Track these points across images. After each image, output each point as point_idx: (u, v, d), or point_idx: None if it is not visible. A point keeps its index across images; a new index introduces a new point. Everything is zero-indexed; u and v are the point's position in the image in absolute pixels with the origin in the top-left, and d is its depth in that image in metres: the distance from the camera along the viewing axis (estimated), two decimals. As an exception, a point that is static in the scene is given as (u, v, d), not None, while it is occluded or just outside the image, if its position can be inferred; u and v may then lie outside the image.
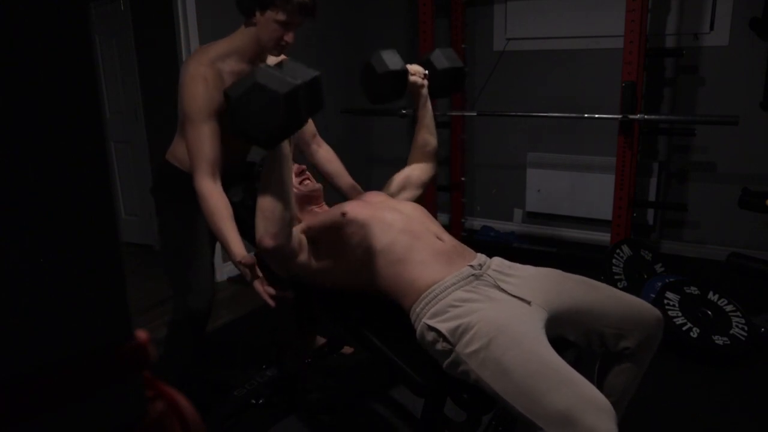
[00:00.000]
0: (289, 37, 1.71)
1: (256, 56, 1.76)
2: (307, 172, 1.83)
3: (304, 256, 1.59)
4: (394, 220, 1.57)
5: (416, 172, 1.93)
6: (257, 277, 1.58)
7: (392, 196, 1.87)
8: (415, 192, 1.92)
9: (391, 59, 1.78)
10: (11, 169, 0.40)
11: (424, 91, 1.90)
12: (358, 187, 2.06)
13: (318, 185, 1.81)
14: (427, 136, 1.94)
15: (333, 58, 4.08)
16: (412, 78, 1.85)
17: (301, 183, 1.78)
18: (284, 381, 2.15)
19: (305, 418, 2.09)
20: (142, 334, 0.48)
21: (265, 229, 1.47)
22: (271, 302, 1.57)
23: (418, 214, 1.65)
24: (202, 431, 0.53)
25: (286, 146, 1.48)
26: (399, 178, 1.92)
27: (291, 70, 1.43)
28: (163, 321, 2.04)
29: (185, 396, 0.53)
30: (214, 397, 2.16)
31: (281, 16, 1.64)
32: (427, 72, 1.91)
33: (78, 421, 0.44)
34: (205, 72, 1.67)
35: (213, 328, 2.83)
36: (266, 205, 1.46)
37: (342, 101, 3.99)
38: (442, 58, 1.93)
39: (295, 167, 1.81)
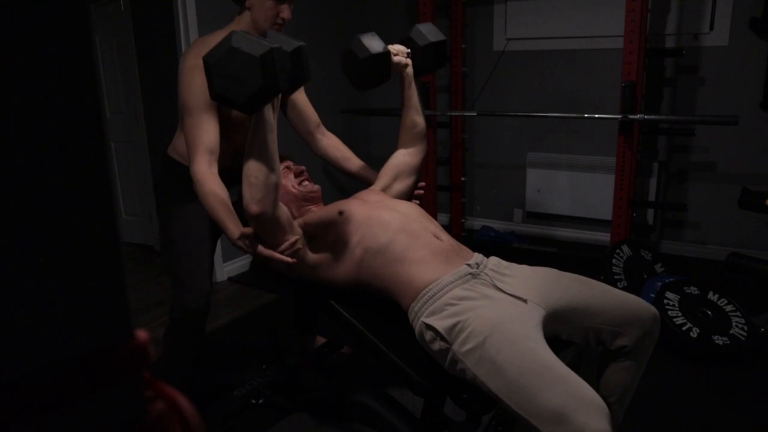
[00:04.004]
0: (285, 13, 1.67)
1: None
2: (306, 173, 1.81)
3: (291, 237, 1.55)
4: (392, 219, 1.56)
5: (406, 158, 1.90)
6: (259, 245, 1.55)
7: (387, 187, 1.86)
8: (408, 180, 1.89)
9: (372, 43, 1.70)
10: (11, 169, 0.40)
11: (409, 70, 1.85)
12: (369, 167, 2.02)
13: (317, 186, 1.80)
14: (415, 116, 1.89)
15: (332, 58, 4.07)
16: (395, 58, 1.80)
17: (300, 183, 1.77)
18: (284, 381, 2.15)
19: (305, 418, 2.09)
20: (142, 334, 0.48)
21: (251, 196, 1.45)
22: (288, 259, 1.52)
23: (416, 214, 1.65)
24: (202, 431, 0.53)
25: (269, 112, 1.44)
26: (389, 167, 1.88)
27: (273, 38, 1.41)
28: (163, 321, 2.05)
29: (185, 396, 0.53)
30: (214, 397, 2.16)
31: None
32: (409, 50, 1.85)
33: (78, 421, 0.44)
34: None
35: (213, 328, 2.83)
36: (251, 171, 1.44)
37: (342, 101, 3.99)
38: (422, 34, 1.86)
39: (294, 168, 1.80)
